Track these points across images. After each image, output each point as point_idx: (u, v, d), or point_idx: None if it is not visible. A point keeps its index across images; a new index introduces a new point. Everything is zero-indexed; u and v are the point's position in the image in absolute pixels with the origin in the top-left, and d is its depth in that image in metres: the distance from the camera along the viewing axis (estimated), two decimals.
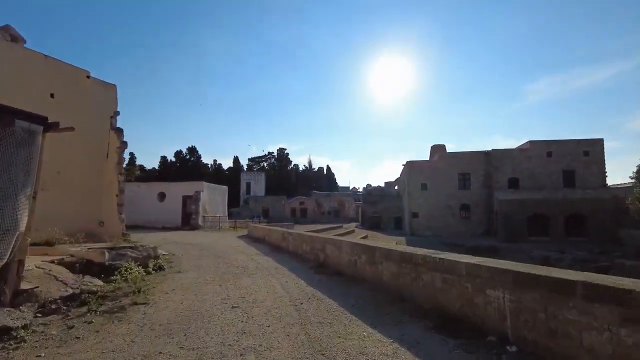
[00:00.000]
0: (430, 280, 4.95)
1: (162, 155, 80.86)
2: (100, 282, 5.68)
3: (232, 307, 5.03)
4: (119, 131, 10.31)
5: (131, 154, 75.77)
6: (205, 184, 27.94)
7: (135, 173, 37.30)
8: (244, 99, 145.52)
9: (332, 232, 36.67)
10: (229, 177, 71.72)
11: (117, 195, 9.95)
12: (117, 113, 10.52)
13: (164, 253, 10.21)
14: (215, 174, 74.53)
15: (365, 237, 38.08)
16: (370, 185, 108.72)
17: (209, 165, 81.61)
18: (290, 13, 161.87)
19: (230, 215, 37.77)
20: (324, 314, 4.74)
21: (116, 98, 10.54)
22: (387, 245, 6.63)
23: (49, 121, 4.53)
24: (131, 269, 6.53)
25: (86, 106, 9.69)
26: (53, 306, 4.60)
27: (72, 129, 4.72)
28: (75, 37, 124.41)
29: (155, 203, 27.42)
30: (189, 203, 26.75)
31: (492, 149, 43.10)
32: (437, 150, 56.39)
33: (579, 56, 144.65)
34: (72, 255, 6.17)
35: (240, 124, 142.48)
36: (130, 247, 7.64)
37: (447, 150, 53.21)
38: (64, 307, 4.69)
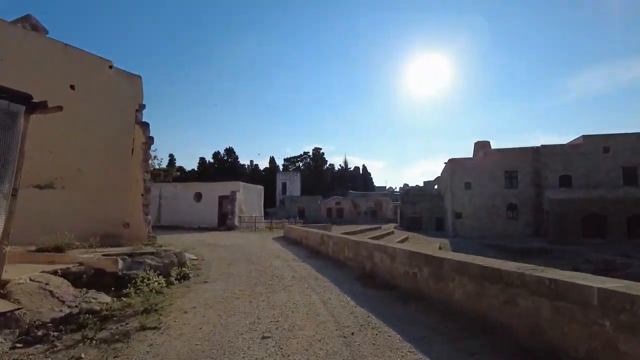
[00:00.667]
0: (532, 308, 3.49)
1: (201, 156, 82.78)
2: (107, 298, 4.72)
3: (263, 338, 3.85)
4: (145, 126, 9.57)
5: (171, 155, 78.05)
6: (241, 183, 27.41)
7: (174, 174, 37.71)
8: (278, 99, 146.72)
9: (370, 234, 35.06)
10: (266, 178, 71.92)
11: (142, 195, 9.19)
12: (143, 106, 9.78)
13: (192, 258, 9.34)
14: (252, 174, 75.04)
15: (405, 239, 36.19)
16: (407, 185, 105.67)
17: (246, 166, 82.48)
18: (324, 11, 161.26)
19: (266, 216, 37.27)
20: (385, 352, 3.43)
21: (142, 90, 9.82)
22: (458, 255, 5.19)
23: (36, 100, 3.53)
24: (149, 279, 5.56)
25: (109, 98, 9.01)
26: (40, 332, 3.64)
27: (59, 108, 3.72)
28: (118, 37, 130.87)
29: (192, 203, 27.25)
30: (225, 203, 26.31)
31: (542, 145, 39.78)
32: (481, 147, 53.18)
33: (624, 48, 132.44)
34: (80, 264, 5.29)
35: (276, 124, 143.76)
36: (152, 253, 6.73)
37: (492, 147, 49.86)
38: (54, 333, 3.72)
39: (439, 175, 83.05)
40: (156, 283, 5.73)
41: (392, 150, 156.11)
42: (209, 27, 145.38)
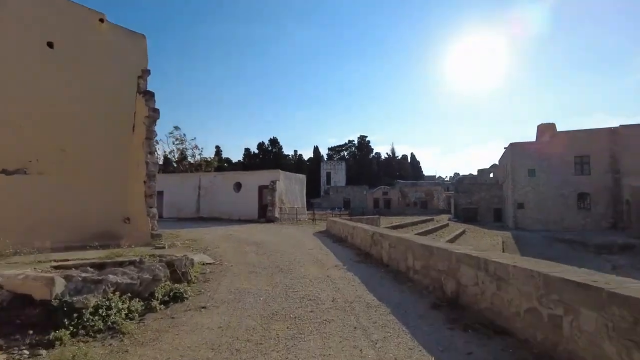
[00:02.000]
0: None
1: (246, 147, 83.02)
2: None
3: None
4: (149, 95, 7.62)
5: (217, 147, 78.98)
6: (281, 172, 25.49)
7: (215, 164, 36.93)
8: (322, 89, 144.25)
9: (423, 226, 31.84)
10: (310, 168, 70.26)
11: (144, 182, 7.26)
12: (147, 72, 7.83)
13: (207, 262, 7.32)
14: (296, 164, 73.72)
15: (462, 233, 32.59)
16: (458, 174, 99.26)
17: (290, 156, 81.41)
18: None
19: (310, 206, 35.36)
20: None
21: (146, 52, 7.86)
22: None
23: None
24: (109, 308, 3.47)
25: (101, 60, 7.13)
26: None
27: None
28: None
29: (232, 194, 25.86)
30: (265, 193, 24.56)
31: (621, 125, 34.11)
32: (546, 129, 47.32)
33: None
34: None
35: (320, 114, 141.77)
36: (132, 263, 4.67)
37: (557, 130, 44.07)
38: None
39: (494, 162, 77.04)
40: (119, 314, 3.63)
41: (442, 137, 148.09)
42: (256, 19, 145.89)
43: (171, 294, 4.68)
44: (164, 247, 6.63)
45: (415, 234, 23.50)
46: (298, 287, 5.55)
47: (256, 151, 78.12)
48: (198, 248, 9.60)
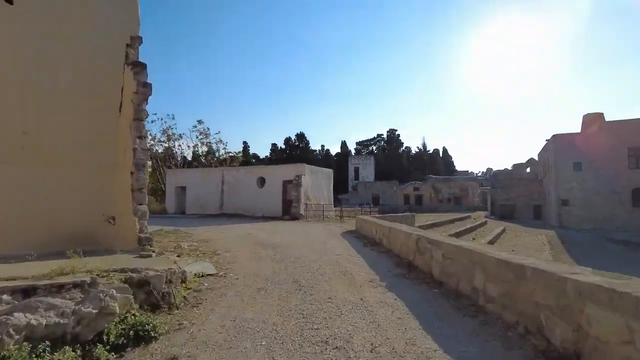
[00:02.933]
0: None
1: (273, 142, 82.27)
2: None
3: None
4: (139, 67, 6.17)
5: (244, 142, 78.84)
6: (307, 166, 23.93)
7: (240, 159, 35.96)
8: (351, 83, 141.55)
9: (459, 224, 29.35)
10: (337, 163, 68.42)
11: (132, 173, 5.84)
12: (139, 40, 6.39)
13: (207, 273, 5.82)
14: (324, 159, 72.11)
15: (502, 232, 29.92)
16: (491, 169, 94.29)
17: (317, 151, 79.94)
18: None
19: (337, 202, 33.73)
20: None
21: (137, 15, 6.41)
22: None
23: None
24: None
25: (77, 23, 5.73)
26: None
27: None
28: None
29: (255, 189, 24.60)
30: (290, 189, 23.11)
31: None
32: (593, 120, 43.26)
33: None
34: None
35: (349, 108, 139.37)
36: (78, 285, 3.19)
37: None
38: None
39: (531, 157, 72.81)
40: None
41: (474, 131, 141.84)
42: (285, 13, 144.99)
43: (132, 332, 3.15)
44: (150, 256, 5.17)
45: (450, 235, 21.33)
46: (320, 319, 3.88)
47: (283, 146, 77.24)
48: (207, 252, 8.18)
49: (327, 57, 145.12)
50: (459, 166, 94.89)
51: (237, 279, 5.68)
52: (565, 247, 26.53)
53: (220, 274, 5.97)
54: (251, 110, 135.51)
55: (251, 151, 77.39)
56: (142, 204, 5.94)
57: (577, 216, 40.31)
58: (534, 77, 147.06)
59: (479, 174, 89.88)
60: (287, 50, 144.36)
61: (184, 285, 4.86)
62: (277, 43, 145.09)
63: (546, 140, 48.29)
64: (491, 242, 21.16)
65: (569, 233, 34.05)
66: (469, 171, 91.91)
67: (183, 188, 27.58)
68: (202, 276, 5.69)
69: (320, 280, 5.63)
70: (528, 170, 75.98)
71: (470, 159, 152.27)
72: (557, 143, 41.97)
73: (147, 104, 6.29)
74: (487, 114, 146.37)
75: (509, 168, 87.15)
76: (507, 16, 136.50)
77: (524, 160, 77.29)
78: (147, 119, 6.57)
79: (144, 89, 6.21)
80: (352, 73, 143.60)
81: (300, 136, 78.89)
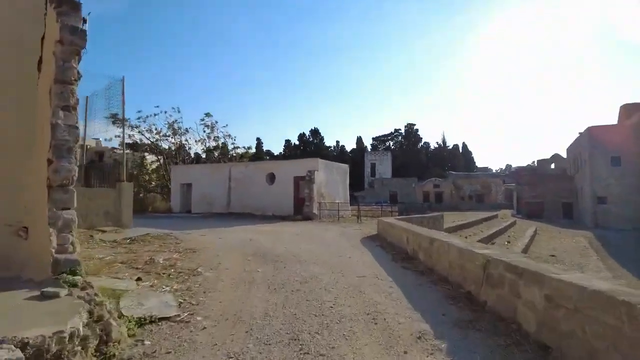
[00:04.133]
0: None
1: (286, 138, 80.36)
2: None
3: None
4: (67, 6, 4.12)
5: (258, 139, 77.18)
6: (320, 161, 21.75)
7: (249, 155, 34.04)
8: (367, 77, 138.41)
9: (487, 224, 26.75)
10: (353, 159, 65.94)
11: (49, 162, 3.78)
12: None
13: (162, 316, 3.73)
14: (339, 156, 69.72)
15: (535, 233, 27.19)
16: (510, 165, 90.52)
17: (332, 147, 77.62)
18: None
19: (353, 200, 31.49)
20: None
21: None
22: None
23: None
24: None
25: None
26: None
27: None
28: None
29: (265, 186, 22.58)
30: (302, 186, 20.99)
31: None
32: (632, 110, 40.08)
33: None
34: None
35: (364, 104, 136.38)
36: None
37: None
38: None
39: (555, 153, 69.50)
40: None
41: (494, 126, 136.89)
42: (292, 9, 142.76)
43: None
44: (57, 295, 3.12)
45: (483, 239, 18.79)
46: None
47: (297, 142, 75.26)
48: (184, 270, 6.11)
49: (340, 51, 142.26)
50: (479, 162, 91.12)
51: (204, 328, 3.55)
52: (609, 250, 23.64)
53: (183, 316, 3.86)
54: (265, 107, 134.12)
55: (265, 148, 75.78)
56: (66, 209, 3.88)
57: (615, 215, 37.48)
58: (557, 69, 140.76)
59: (498, 171, 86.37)
60: (300, 46, 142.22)
61: (101, 352, 2.76)
62: (291, 39, 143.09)
63: (579, 133, 44.85)
64: (526, 247, 18.64)
65: (608, 234, 30.95)
66: (488, 167, 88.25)
67: (189, 185, 25.84)
68: (152, 322, 3.61)
69: (336, 334, 3.44)
70: (553, 166, 72.27)
71: (488, 155, 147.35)
72: (592, 136, 38.76)
73: (79, 59, 4.22)
74: (504, 108, 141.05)
75: (532, 164, 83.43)
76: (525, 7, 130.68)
77: (547, 156, 73.82)
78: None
79: (73, 38, 4.13)
80: (368, 67, 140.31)
81: (315, 132, 76.72)
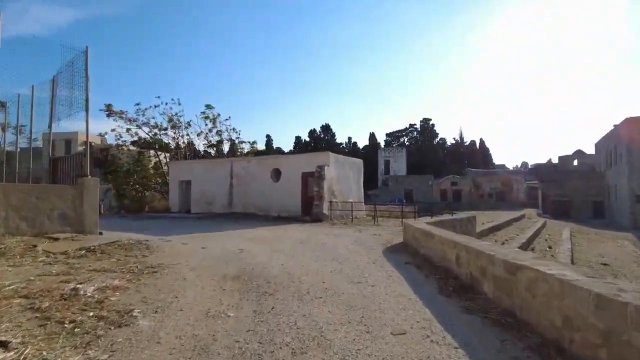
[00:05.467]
0: None
1: (297, 135, 78.06)
2: None
3: None
4: None
5: (268, 136, 75.22)
6: (331, 155, 19.30)
7: (254, 150, 31.77)
8: (379, 71, 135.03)
9: (520, 227, 23.96)
10: (366, 157, 63.22)
11: None
12: None
13: None
14: (351, 153, 67.13)
15: (572, 236, 24.25)
16: (527, 163, 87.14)
17: (344, 144, 74.99)
18: None
19: (367, 199, 29.01)
20: None
21: None
22: None
23: None
24: None
25: None
26: None
27: None
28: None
29: (270, 183, 20.27)
30: (311, 183, 18.60)
31: None
32: None
33: None
34: None
35: (377, 99, 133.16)
36: None
37: None
38: None
39: (578, 149, 65.68)
40: None
41: (509, 122, 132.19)
42: (293, 11, 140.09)
43: None
44: None
45: (522, 245, 16.09)
46: None
47: (307, 139, 72.88)
48: (109, 315, 3.78)
49: (351, 47, 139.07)
50: (496, 159, 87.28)
51: None
52: None
53: None
54: (276, 104, 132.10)
55: (275, 145, 73.65)
56: None
57: None
58: (580, 62, 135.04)
59: (514, 168, 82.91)
60: (311, 41, 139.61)
61: None
62: (297, 36, 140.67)
63: (613, 125, 41.39)
64: (573, 258, 15.90)
65: None
66: (504, 165, 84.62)
67: (188, 183, 23.72)
68: None
69: None
70: (576, 162, 68.63)
71: (502, 153, 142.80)
72: (631, 128, 35.39)
73: None
74: (510, 106, 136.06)
75: (549, 161, 79.72)
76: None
77: (565, 153, 70.29)
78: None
79: None
80: (380, 62, 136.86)
81: (326, 128, 74.20)
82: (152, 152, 28.57)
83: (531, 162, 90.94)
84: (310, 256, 7.48)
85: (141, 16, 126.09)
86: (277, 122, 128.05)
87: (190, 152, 29.88)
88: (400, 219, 16.50)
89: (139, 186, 27.28)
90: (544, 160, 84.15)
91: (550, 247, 16.33)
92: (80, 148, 45.53)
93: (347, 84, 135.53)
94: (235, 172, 21.58)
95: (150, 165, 28.13)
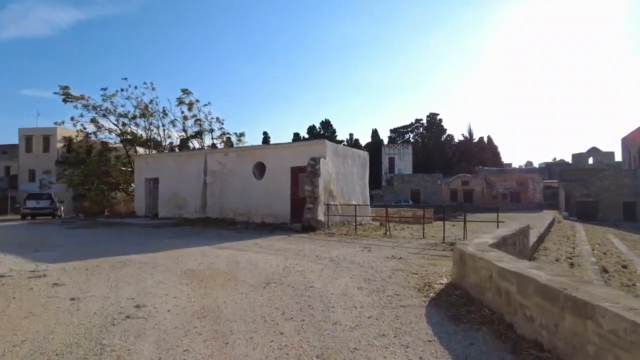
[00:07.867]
0: None
1: (295, 131, 73.81)
2: None
3: None
4: None
5: (264, 132, 70.99)
6: (328, 144, 15.01)
7: (241, 143, 27.45)
8: (382, 66, 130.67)
9: (561, 235, 19.62)
10: (369, 155, 59.01)
11: None
12: None
13: None
14: None
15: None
16: (531, 162, 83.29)
17: (344, 142, 70.60)
18: None
19: (369, 200, 24.76)
20: None
21: None
22: None
23: None
24: None
25: None
26: None
27: None
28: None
29: (251, 182, 16.01)
30: (302, 180, 14.32)
31: None
32: None
33: None
34: None
35: (379, 95, 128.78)
36: None
37: None
38: None
39: (592, 146, 61.23)
40: None
41: (517, 119, 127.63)
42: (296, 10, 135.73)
43: None
44: None
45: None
46: None
47: (306, 135, 68.56)
48: None
49: (355, 43, 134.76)
50: (504, 157, 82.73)
51: None
52: None
53: None
54: (274, 102, 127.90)
55: (272, 142, 69.41)
56: None
57: None
58: (583, 62, 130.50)
59: (527, 166, 78.89)
60: (314, 38, 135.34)
61: None
62: (300, 32, 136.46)
63: None
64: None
65: None
66: (511, 163, 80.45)
67: (155, 180, 19.52)
68: None
69: None
70: (591, 160, 64.77)
71: (507, 151, 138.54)
72: None
73: None
74: (526, 101, 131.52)
75: (558, 159, 76.00)
76: None
77: (583, 150, 66.39)
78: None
79: None
80: (384, 58, 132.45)
81: (326, 124, 69.88)
82: (120, 145, 24.33)
83: (535, 161, 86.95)
84: (279, 324, 3.21)
85: (141, 16, 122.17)
86: (276, 121, 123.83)
87: (168, 146, 25.62)
88: (422, 226, 12.27)
89: (104, 186, 23.01)
90: (547, 159, 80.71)
91: (625, 267, 12.03)
92: (60, 145, 41.10)
93: (350, 80, 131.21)
94: (210, 168, 17.33)
95: (119, 162, 23.88)
